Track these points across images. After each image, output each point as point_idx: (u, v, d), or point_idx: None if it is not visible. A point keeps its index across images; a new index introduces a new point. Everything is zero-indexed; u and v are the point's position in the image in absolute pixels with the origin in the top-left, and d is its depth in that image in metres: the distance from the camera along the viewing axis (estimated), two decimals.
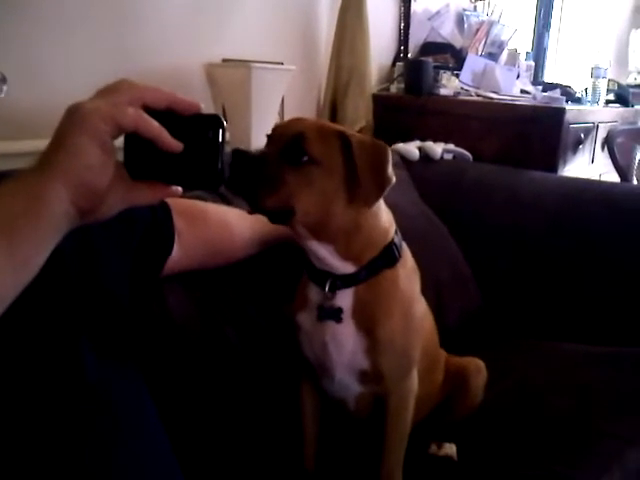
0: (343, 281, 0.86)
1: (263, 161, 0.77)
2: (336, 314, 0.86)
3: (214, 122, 0.59)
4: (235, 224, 1.01)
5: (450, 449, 1.03)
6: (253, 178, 0.76)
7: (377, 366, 0.87)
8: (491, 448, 1.03)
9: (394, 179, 0.82)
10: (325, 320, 0.87)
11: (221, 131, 0.59)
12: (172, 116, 0.58)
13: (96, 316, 0.72)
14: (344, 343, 0.86)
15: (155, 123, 0.56)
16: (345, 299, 0.86)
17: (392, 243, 0.88)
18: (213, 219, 0.99)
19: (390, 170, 0.82)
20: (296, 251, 1.07)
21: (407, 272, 0.90)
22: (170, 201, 0.90)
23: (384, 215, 0.89)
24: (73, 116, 0.54)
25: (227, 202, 1.11)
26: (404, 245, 0.92)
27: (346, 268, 0.85)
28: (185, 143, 0.58)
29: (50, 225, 0.53)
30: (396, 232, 0.90)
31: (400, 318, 0.87)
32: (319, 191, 0.79)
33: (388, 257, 0.87)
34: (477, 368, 1.07)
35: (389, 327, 0.85)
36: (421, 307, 0.95)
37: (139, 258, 0.84)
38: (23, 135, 1.26)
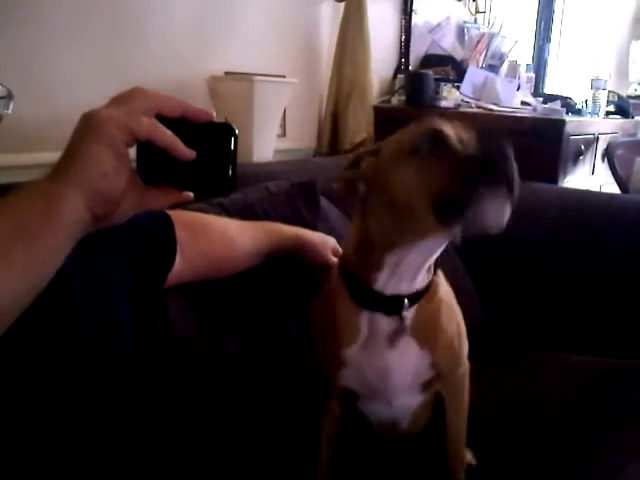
0: (411, 299, 0.80)
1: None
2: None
3: (226, 130, 0.60)
4: (236, 236, 1.02)
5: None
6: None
7: (439, 372, 0.85)
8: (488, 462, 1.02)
9: None
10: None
11: (233, 139, 0.60)
12: (185, 124, 0.59)
13: (96, 329, 0.72)
14: (409, 364, 0.82)
15: (169, 133, 0.57)
16: (406, 318, 0.80)
17: None
18: (215, 231, 0.99)
19: None
20: (296, 262, 1.08)
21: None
22: (172, 213, 0.91)
23: None
24: (88, 124, 0.55)
25: (228, 214, 1.12)
26: None
27: (424, 280, 0.81)
28: (198, 150, 0.58)
29: (66, 231, 0.54)
30: None
31: (453, 319, 0.86)
32: None
33: (434, 264, 0.84)
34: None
35: (448, 333, 0.84)
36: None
37: (141, 271, 0.84)
38: (29, 148, 1.28)
